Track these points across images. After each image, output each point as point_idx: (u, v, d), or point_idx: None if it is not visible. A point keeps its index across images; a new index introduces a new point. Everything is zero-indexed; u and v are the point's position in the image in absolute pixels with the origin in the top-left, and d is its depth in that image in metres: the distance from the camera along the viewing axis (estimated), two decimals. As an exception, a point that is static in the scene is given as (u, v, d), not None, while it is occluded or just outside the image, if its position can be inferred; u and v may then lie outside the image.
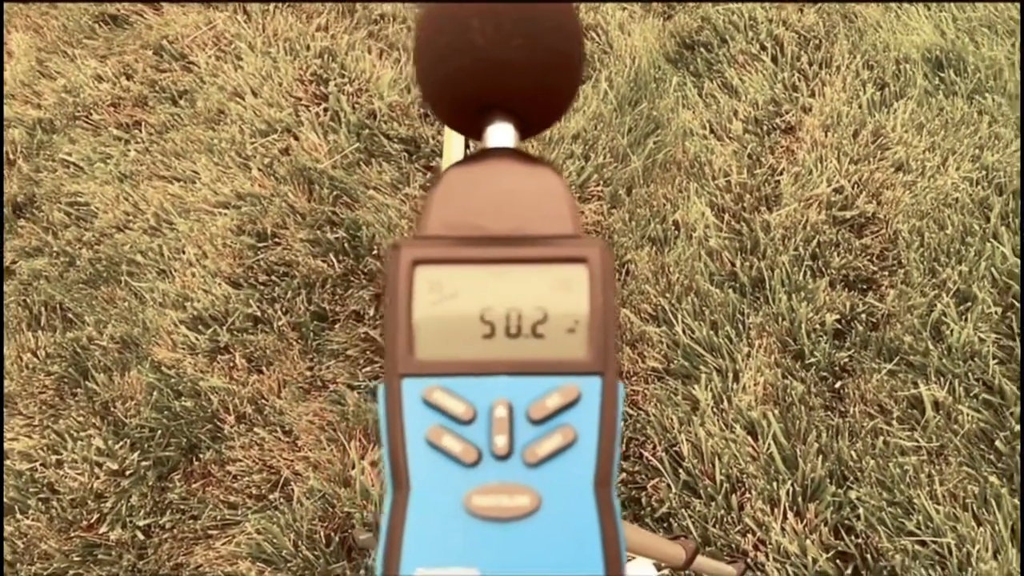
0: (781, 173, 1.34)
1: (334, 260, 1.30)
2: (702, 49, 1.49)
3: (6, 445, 1.20)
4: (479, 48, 0.29)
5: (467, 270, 0.28)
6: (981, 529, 1.04)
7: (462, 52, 0.29)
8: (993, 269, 1.20)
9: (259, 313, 1.26)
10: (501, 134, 0.30)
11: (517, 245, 0.28)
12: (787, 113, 1.41)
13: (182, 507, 1.14)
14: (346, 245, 1.31)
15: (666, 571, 0.68)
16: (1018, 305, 1.18)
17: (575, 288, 0.28)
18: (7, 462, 1.18)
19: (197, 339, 1.24)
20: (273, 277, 1.30)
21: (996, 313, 1.17)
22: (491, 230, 0.29)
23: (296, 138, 1.43)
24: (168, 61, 1.55)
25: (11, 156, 1.46)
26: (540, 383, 0.27)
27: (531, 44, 0.29)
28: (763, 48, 1.48)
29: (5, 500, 1.16)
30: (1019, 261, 1.21)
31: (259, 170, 1.40)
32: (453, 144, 0.52)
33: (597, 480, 0.26)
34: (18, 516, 1.14)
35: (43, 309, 1.30)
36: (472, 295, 0.28)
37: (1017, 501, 1.05)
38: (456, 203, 0.29)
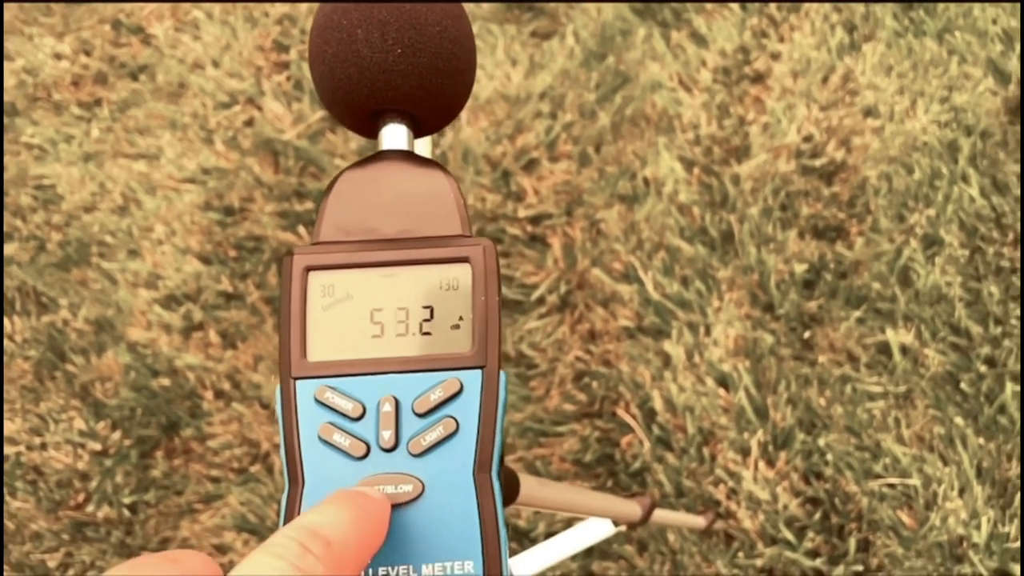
0: (750, 123, 1.33)
1: (304, 232, 1.30)
2: (669, -2, 1.47)
3: (-11, 431, 1.21)
4: (364, 57, 0.29)
5: (358, 274, 0.29)
6: (947, 469, 1.06)
7: (349, 62, 0.29)
8: (961, 212, 1.20)
9: (231, 289, 1.27)
10: (394, 136, 0.31)
11: (405, 247, 0.29)
12: (755, 60, 1.39)
13: (166, 483, 1.16)
14: (315, 217, 1.31)
15: (622, 527, 0.70)
16: (983, 247, 1.18)
17: (460, 286, 0.29)
18: (-9, 447, 1.20)
19: (171, 317, 1.25)
20: (243, 252, 1.30)
21: (963, 256, 1.17)
22: (382, 232, 0.30)
23: (259, 109, 1.41)
24: (126, 35, 1.53)
25: (-28, 141, 1.45)
26: (425, 379, 0.28)
27: (415, 51, 0.29)
28: (731, -6, 1.46)
29: (-8, 484, 1.18)
30: (987, 203, 1.21)
31: (223, 143, 1.38)
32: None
33: (477, 466, 0.28)
34: (7, 498, 1.17)
35: (16, 294, 1.31)
36: (363, 298, 0.29)
37: (982, 440, 1.07)
38: (349, 207, 0.30)
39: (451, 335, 0.29)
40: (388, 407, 0.28)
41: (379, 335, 0.29)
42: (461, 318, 0.29)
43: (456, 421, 0.28)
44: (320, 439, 0.28)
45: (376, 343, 0.29)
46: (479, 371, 0.28)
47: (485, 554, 0.27)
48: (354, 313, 0.29)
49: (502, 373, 0.29)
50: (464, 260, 0.29)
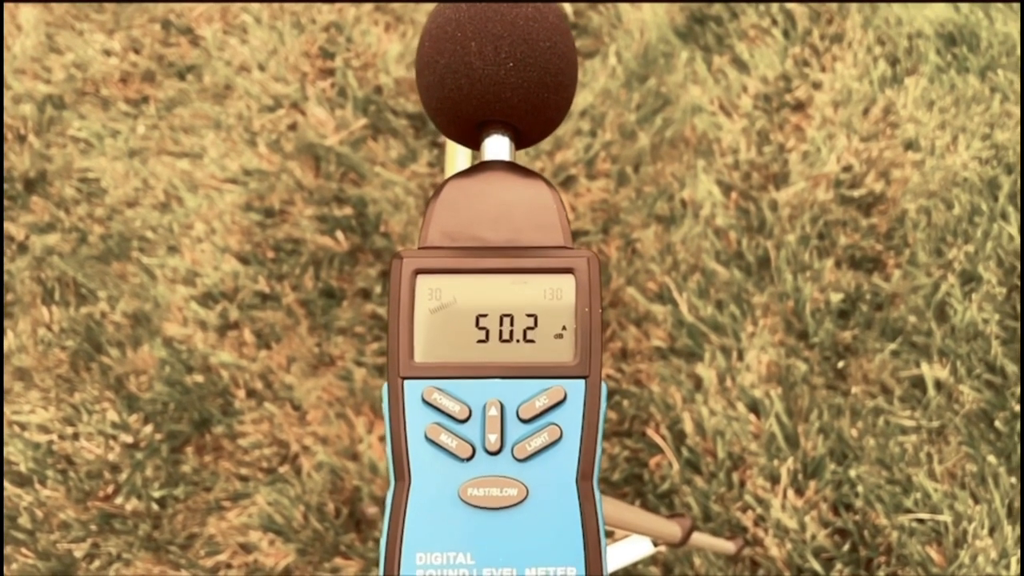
0: (790, 151, 1.34)
1: (341, 237, 1.31)
2: (712, 23, 1.48)
3: (24, 418, 1.23)
4: (476, 70, 0.30)
5: (464, 279, 0.30)
6: (978, 507, 1.05)
7: (460, 73, 0.30)
8: (999, 249, 1.20)
9: (267, 289, 1.28)
10: (497, 147, 0.32)
11: (511, 255, 0.30)
12: (797, 89, 1.40)
13: (195, 479, 1.17)
14: (353, 222, 1.32)
15: (662, 548, 0.70)
16: (1021, 285, 1.17)
17: (564, 297, 0.30)
18: (26, 434, 1.21)
19: (207, 315, 1.26)
20: (281, 254, 1.31)
21: (1000, 294, 1.17)
22: (487, 240, 0.31)
23: (303, 114, 1.43)
24: (175, 35, 1.55)
25: (22, 132, 1.47)
26: (530, 385, 0.29)
27: (526, 66, 0.30)
28: (774, 22, 1.47)
29: (25, 471, 1.19)
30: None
31: (266, 146, 1.40)
32: (457, 152, 0.53)
33: (580, 474, 0.28)
34: (37, 487, 1.18)
35: (56, 284, 1.33)
36: (469, 303, 0.30)
37: (1014, 480, 1.06)
38: (454, 214, 0.31)
39: (554, 344, 0.30)
40: (494, 411, 0.29)
41: (484, 340, 0.30)
42: (564, 328, 0.30)
43: (560, 429, 0.29)
44: (427, 438, 0.29)
45: (481, 348, 0.30)
46: (583, 381, 0.29)
47: (587, 561, 0.27)
48: (460, 317, 0.30)
49: (603, 384, 0.29)
50: (568, 271, 0.30)
